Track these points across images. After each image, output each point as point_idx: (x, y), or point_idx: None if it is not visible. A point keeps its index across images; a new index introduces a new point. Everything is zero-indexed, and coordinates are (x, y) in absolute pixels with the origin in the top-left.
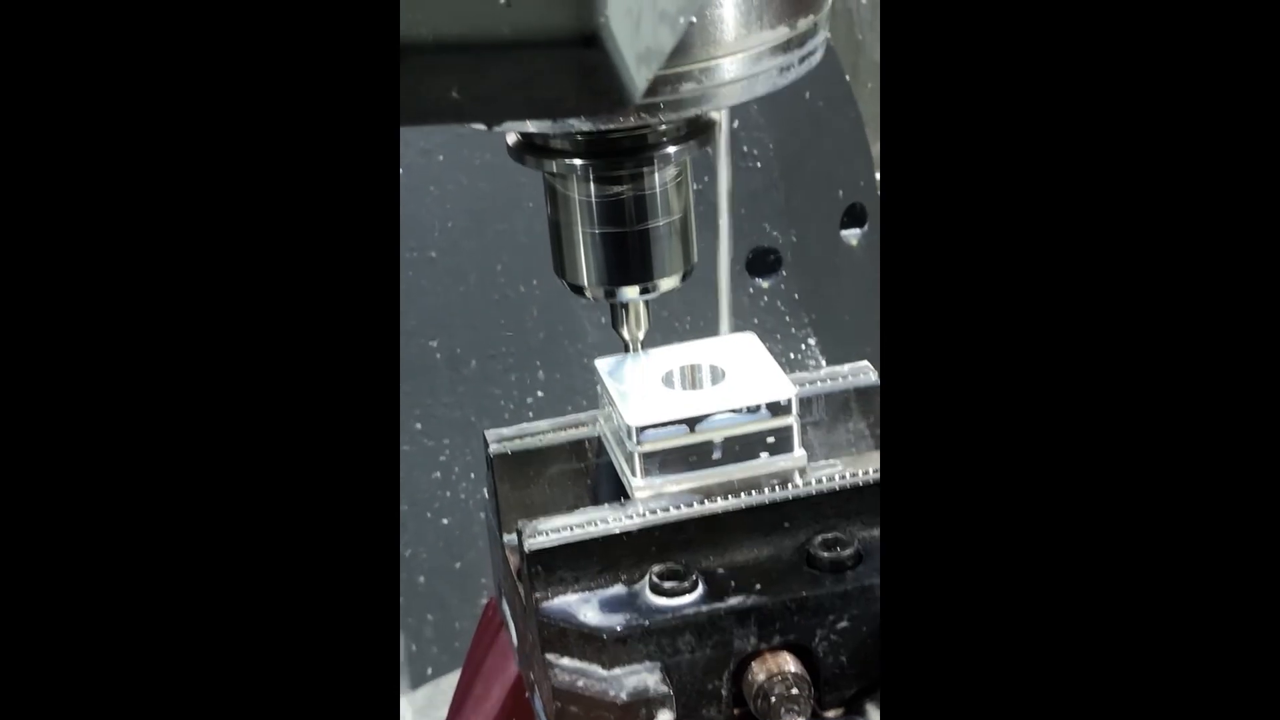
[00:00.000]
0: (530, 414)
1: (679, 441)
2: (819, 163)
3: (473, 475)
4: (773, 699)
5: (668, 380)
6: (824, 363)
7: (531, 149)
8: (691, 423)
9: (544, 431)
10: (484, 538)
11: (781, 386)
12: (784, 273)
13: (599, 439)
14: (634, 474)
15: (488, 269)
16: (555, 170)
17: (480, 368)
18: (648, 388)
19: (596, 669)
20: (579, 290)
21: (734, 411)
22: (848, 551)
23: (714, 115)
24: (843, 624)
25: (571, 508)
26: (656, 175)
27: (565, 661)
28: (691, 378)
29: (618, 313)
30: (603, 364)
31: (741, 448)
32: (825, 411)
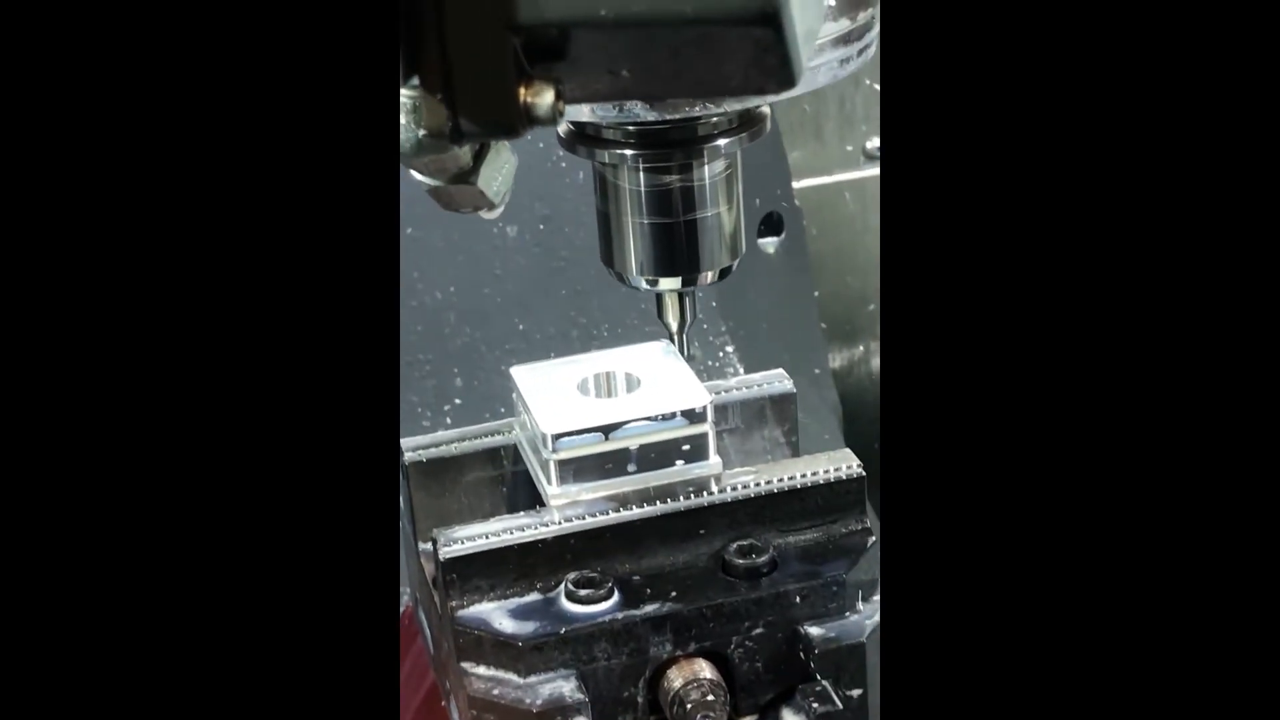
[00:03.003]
0: (448, 421)
1: (594, 449)
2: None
3: None
4: (688, 705)
5: (583, 388)
6: (742, 370)
7: (583, 138)
8: (607, 430)
9: (459, 439)
10: (400, 546)
11: (697, 394)
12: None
13: (515, 446)
14: (550, 482)
15: (404, 276)
16: (606, 160)
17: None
18: (563, 395)
19: (512, 677)
20: (624, 279)
21: (649, 419)
22: (763, 558)
23: (764, 109)
24: (758, 630)
25: (487, 516)
26: (706, 168)
27: (481, 670)
28: (607, 385)
29: (662, 302)
30: (518, 372)
31: (657, 455)
32: (741, 419)
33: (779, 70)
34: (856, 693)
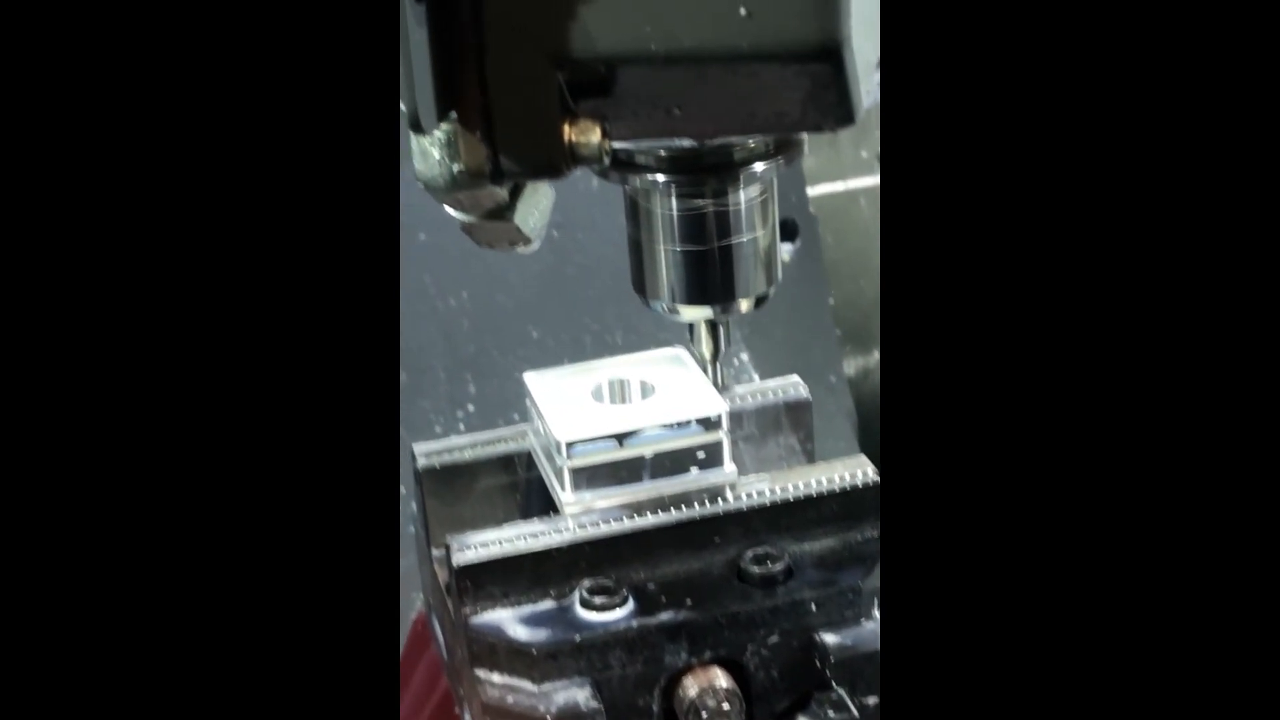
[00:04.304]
0: (461, 427)
1: (609, 457)
2: None
3: (402, 489)
4: (704, 714)
5: (597, 394)
6: (756, 378)
7: (616, 164)
8: (621, 438)
9: (472, 445)
10: (413, 552)
11: (712, 401)
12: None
13: (528, 453)
14: (564, 489)
15: (416, 282)
16: (639, 185)
17: (411, 381)
18: (577, 402)
19: (526, 684)
20: (655, 307)
21: (664, 426)
22: (778, 566)
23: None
24: (773, 638)
25: (501, 522)
26: (741, 193)
27: (495, 677)
28: (621, 392)
29: (696, 330)
30: (532, 378)
31: (672, 463)
32: (756, 426)
33: (837, 107)
34: (873, 701)
